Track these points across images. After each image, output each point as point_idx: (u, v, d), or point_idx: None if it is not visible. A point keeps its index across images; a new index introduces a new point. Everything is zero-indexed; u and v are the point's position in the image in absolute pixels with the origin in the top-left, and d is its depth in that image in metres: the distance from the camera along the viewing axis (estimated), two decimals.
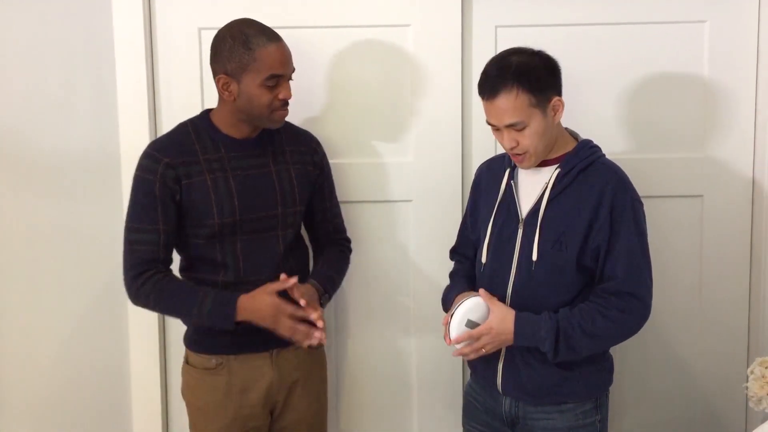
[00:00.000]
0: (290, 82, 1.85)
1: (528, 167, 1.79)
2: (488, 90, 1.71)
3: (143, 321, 2.22)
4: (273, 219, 1.89)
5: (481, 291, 1.76)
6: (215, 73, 1.83)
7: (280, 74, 1.80)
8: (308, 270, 1.99)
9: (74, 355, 2.27)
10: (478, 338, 1.72)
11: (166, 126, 2.19)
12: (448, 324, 1.75)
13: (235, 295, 1.79)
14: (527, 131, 1.70)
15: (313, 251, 2.05)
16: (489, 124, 1.76)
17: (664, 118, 2.21)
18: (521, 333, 1.71)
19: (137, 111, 2.16)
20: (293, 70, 1.85)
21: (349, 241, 2.11)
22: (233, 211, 1.83)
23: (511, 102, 1.68)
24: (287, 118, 1.89)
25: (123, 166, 2.18)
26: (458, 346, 1.75)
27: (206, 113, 1.92)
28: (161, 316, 2.23)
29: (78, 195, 2.22)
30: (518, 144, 1.72)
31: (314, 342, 1.81)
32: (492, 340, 1.72)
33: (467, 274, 1.93)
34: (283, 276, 1.81)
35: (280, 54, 1.80)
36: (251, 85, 1.79)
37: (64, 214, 2.22)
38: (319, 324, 1.79)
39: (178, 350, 2.25)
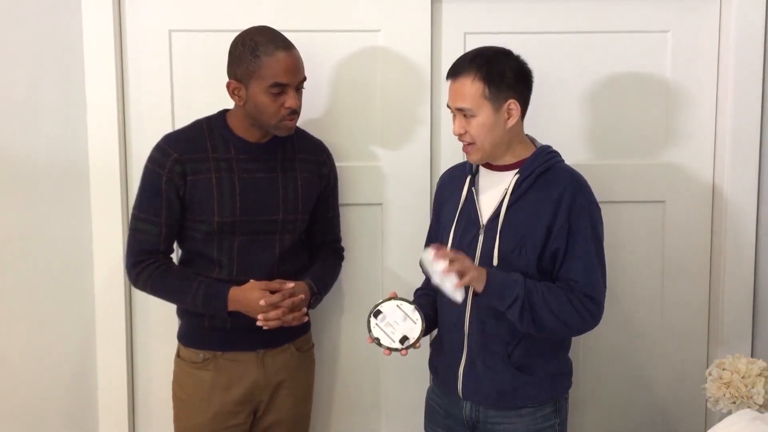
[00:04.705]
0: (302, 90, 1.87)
1: (475, 161, 1.81)
2: (453, 70, 1.76)
3: (110, 325, 2.21)
4: (273, 224, 1.91)
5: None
6: (228, 77, 1.86)
7: (284, 83, 1.81)
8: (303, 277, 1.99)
9: (40, 361, 2.24)
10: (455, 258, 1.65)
11: (135, 130, 2.18)
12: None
13: (226, 286, 1.85)
14: (474, 121, 1.74)
15: (309, 253, 2.07)
16: (448, 107, 1.80)
17: (627, 125, 2.25)
18: (493, 281, 1.67)
19: (106, 114, 2.15)
20: (303, 79, 1.86)
21: (343, 249, 2.15)
22: (234, 212, 1.87)
23: (466, 86, 1.72)
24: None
25: (91, 169, 2.16)
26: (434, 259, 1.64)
27: (223, 113, 1.94)
28: (128, 319, 2.23)
29: (44, 198, 2.18)
30: (465, 132, 1.76)
31: (293, 323, 1.85)
32: (469, 266, 1.65)
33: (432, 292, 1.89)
34: (281, 281, 1.86)
35: (286, 63, 1.81)
36: (257, 92, 1.82)
37: (29, 216, 2.19)
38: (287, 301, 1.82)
39: (145, 354, 2.26)
